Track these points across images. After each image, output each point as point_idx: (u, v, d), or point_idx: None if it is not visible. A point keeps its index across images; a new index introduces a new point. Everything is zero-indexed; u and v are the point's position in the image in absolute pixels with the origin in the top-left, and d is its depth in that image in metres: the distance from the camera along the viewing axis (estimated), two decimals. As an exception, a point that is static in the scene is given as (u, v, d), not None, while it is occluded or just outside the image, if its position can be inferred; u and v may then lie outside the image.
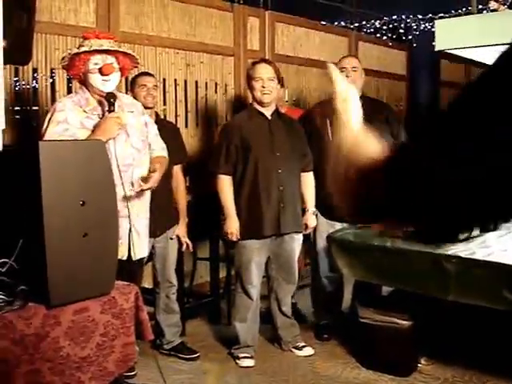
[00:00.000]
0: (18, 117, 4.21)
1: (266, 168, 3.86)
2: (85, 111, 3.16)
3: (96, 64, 3.14)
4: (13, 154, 2.22)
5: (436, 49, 3.36)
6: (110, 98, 3.12)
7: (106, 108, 3.14)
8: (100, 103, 3.19)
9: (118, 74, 3.21)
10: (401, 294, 3.79)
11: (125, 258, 3.19)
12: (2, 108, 2.14)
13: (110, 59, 3.16)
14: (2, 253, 2.21)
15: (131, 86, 4.15)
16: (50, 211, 2.06)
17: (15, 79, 4.16)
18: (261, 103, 3.93)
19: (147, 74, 4.23)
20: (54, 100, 4.37)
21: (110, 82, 3.17)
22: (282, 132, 3.96)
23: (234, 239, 3.92)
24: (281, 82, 4.77)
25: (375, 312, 3.76)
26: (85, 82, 3.22)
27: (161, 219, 3.96)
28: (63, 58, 3.28)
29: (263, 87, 3.89)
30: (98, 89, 3.17)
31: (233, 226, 3.87)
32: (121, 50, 3.24)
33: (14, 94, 4.14)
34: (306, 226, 4.10)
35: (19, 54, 3.41)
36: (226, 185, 3.88)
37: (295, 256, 4.08)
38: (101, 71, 3.12)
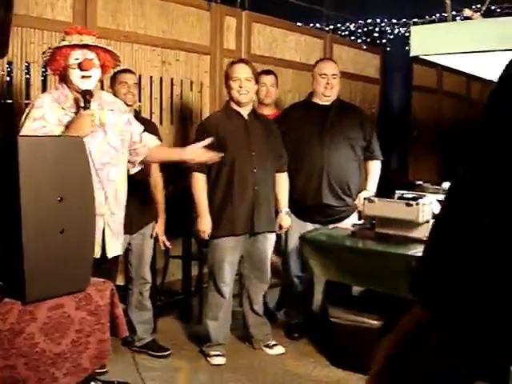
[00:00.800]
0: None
1: (241, 167, 3.89)
2: (63, 108, 3.13)
3: (76, 59, 3.10)
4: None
5: (411, 54, 3.42)
6: (86, 95, 3.08)
7: (82, 105, 3.11)
8: (76, 100, 3.15)
9: (98, 71, 3.17)
10: (371, 294, 3.85)
11: (98, 256, 3.17)
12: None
13: (90, 55, 3.13)
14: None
15: (111, 83, 4.15)
16: (27, 207, 2.06)
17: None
18: (238, 103, 3.96)
19: (128, 71, 4.21)
20: (28, 93, 4.34)
21: (90, 79, 3.13)
22: (258, 132, 3.99)
23: (206, 237, 3.94)
24: (276, 83, 4.86)
25: (346, 312, 3.82)
26: (65, 78, 3.19)
27: (137, 216, 3.97)
28: (44, 53, 3.24)
29: (240, 87, 3.91)
30: (77, 85, 3.12)
31: (205, 224, 3.89)
32: (101, 46, 3.22)
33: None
34: (280, 227, 4.14)
35: (-5, 47, 3.40)
36: (200, 182, 3.90)
37: (268, 255, 4.11)
38: (80, 66, 3.10)
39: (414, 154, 8.71)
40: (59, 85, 3.25)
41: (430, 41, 3.34)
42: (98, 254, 3.16)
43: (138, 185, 3.76)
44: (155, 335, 4.28)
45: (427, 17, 7.41)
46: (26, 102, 4.22)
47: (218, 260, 3.95)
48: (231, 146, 3.88)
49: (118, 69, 4.06)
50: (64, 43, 3.11)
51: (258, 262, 4.07)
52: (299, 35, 6.74)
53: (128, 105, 3.97)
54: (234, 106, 3.99)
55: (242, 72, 3.93)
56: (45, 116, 3.06)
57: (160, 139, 4.31)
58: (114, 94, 3.96)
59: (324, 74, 4.37)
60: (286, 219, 4.15)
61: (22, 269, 2.11)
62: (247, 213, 3.90)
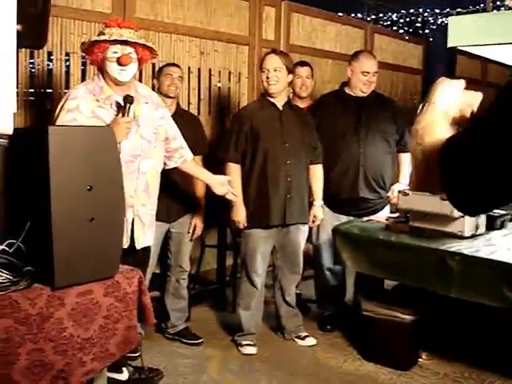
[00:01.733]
0: (32, 98, 4.26)
1: (274, 158, 3.88)
2: (98, 100, 3.18)
3: (115, 53, 3.15)
4: (23, 136, 2.25)
5: (448, 45, 3.35)
6: (128, 101, 3.13)
7: (121, 109, 3.16)
8: (117, 104, 3.19)
9: (135, 65, 3.22)
10: (404, 288, 3.82)
11: (126, 246, 3.22)
12: (14, 92, 2.17)
13: (129, 49, 3.17)
14: (10, 234, 2.25)
15: (157, 75, 4.23)
16: (57, 195, 2.10)
17: (31, 61, 4.20)
18: (268, 93, 3.95)
19: (174, 64, 4.32)
20: (68, 83, 4.42)
21: (127, 72, 3.19)
22: (292, 123, 3.98)
23: (241, 227, 3.96)
24: (312, 74, 4.83)
25: (378, 305, 3.79)
26: (102, 70, 3.24)
27: (176, 205, 4.05)
28: (83, 43, 3.30)
29: (267, 78, 3.91)
30: (115, 77, 3.18)
31: (240, 214, 3.91)
32: (140, 42, 3.25)
33: (28, 77, 4.19)
34: (314, 219, 4.13)
35: (34, 38, 3.44)
36: (234, 173, 3.91)
37: (300, 247, 4.11)
38: (118, 61, 3.15)
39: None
40: (96, 76, 3.30)
41: (467, 31, 3.27)
42: (126, 244, 3.21)
43: (178, 174, 3.81)
44: (188, 323, 4.33)
45: (471, 7, 7.25)
46: (66, 91, 4.30)
47: (251, 250, 3.97)
48: (264, 137, 3.88)
49: (165, 62, 4.13)
50: (104, 37, 3.15)
51: (291, 253, 4.08)
52: (339, 25, 6.68)
53: (170, 96, 4.04)
54: (269, 97, 3.98)
55: (270, 63, 3.92)
56: (79, 107, 3.11)
57: (200, 133, 4.36)
58: (159, 86, 4.09)
59: (366, 72, 4.32)
60: (319, 211, 4.14)
61: (51, 255, 2.15)
62: (280, 204, 3.90)
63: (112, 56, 3.16)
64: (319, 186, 4.15)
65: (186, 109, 5.03)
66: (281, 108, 3.98)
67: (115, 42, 3.15)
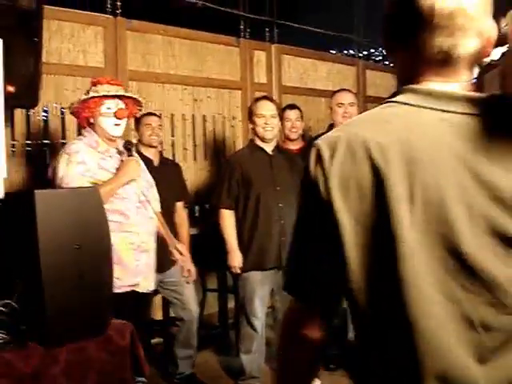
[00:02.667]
0: (29, 149, 4.38)
1: (267, 202, 3.94)
2: (99, 152, 3.29)
3: (108, 108, 3.27)
4: (13, 200, 2.34)
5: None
6: (128, 145, 3.35)
7: (126, 152, 3.34)
8: (118, 150, 3.35)
9: (125, 119, 3.37)
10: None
11: (146, 291, 3.39)
12: (4, 158, 2.26)
13: (122, 104, 3.31)
14: (3, 293, 2.32)
15: (136, 126, 4.30)
16: (46, 255, 2.17)
17: (28, 114, 4.33)
18: (263, 139, 4.03)
19: (152, 114, 4.38)
20: (64, 136, 4.53)
21: (120, 127, 3.33)
22: (282, 167, 4.05)
23: (238, 271, 4.00)
24: (301, 116, 4.91)
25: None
26: (93, 125, 3.33)
27: (166, 256, 4.05)
28: (72, 104, 3.42)
29: (266, 124, 3.99)
30: (109, 132, 3.30)
31: (235, 259, 3.96)
32: (134, 96, 3.43)
33: (25, 129, 4.31)
34: None
35: (27, 98, 3.57)
36: (227, 219, 3.98)
37: None
38: (115, 115, 3.27)
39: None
40: (86, 132, 3.38)
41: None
42: (145, 288, 3.35)
43: (168, 224, 3.90)
44: (194, 369, 4.33)
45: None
46: (62, 141, 4.43)
47: (249, 294, 4.00)
48: (256, 182, 3.95)
49: (143, 112, 4.22)
50: (103, 93, 3.27)
51: None
52: (330, 64, 6.81)
53: (153, 146, 4.14)
54: (259, 143, 4.06)
55: (267, 109, 4.01)
56: (85, 160, 3.21)
57: (182, 180, 4.45)
58: (140, 136, 4.18)
59: (341, 104, 4.40)
60: None
61: (44, 314, 2.21)
62: (275, 247, 3.95)
63: (106, 111, 3.27)
64: None
65: (182, 155, 5.14)
66: (271, 153, 4.06)
67: (111, 97, 3.27)
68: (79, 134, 4.50)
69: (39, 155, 4.43)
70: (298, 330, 1.22)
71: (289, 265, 1.22)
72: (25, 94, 3.54)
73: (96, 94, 3.28)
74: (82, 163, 3.19)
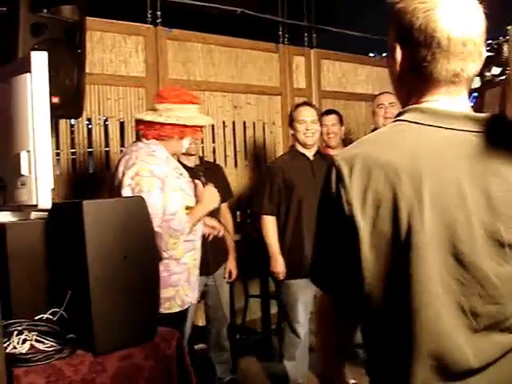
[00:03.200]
0: (74, 157, 4.46)
1: (309, 208, 3.93)
2: (174, 170, 3.17)
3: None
4: (61, 210, 2.38)
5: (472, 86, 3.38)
6: (200, 171, 3.53)
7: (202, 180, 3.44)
8: (192, 177, 3.35)
9: None
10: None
11: (195, 301, 3.41)
12: (51, 170, 2.31)
13: None
14: (52, 302, 2.36)
15: None
16: (94, 265, 2.20)
17: (72, 123, 4.41)
18: (304, 145, 4.03)
19: None
20: (107, 145, 4.59)
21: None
22: (323, 173, 4.02)
23: (281, 278, 4.00)
24: (340, 121, 4.88)
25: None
26: (166, 142, 3.15)
27: (215, 257, 4.10)
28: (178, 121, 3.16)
29: (307, 130, 3.99)
30: (181, 151, 3.34)
31: (278, 265, 3.96)
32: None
33: (69, 138, 4.39)
34: None
35: (71, 108, 3.63)
36: (270, 225, 3.98)
37: None
38: (196, 137, 3.36)
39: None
40: (154, 146, 3.12)
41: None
42: (196, 299, 3.38)
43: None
44: (235, 375, 4.35)
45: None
46: (106, 149, 4.50)
47: (292, 301, 3.99)
48: (298, 188, 3.94)
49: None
50: (204, 123, 3.32)
51: None
52: (369, 67, 6.76)
53: (191, 154, 4.15)
54: (300, 148, 4.06)
55: (308, 114, 4.01)
56: (174, 185, 3.08)
57: (226, 181, 4.45)
58: None
59: (381, 104, 4.37)
60: None
61: (91, 322, 2.24)
62: None
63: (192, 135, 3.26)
64: None
65: (224, 162, 5.17)
66: (312, 158, 4.06)
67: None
68: (122, 144, 4.61)
69: (83, 163, 4.50)
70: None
71: (314, 259, 1.44)
72: (69, 105, 3.59)
73: (194, 124, 3.16)
74: (174, 190, 3.05)
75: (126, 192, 2.96)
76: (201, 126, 3.27)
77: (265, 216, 4.00)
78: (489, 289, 1.22)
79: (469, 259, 1.21)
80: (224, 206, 4.32)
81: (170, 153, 3.16)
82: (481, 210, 1.21)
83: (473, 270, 1.21)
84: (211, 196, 3.23)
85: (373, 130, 4.50)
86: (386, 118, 4.29)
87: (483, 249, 1.21)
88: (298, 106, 4.19)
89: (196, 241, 3.23)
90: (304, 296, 4.00)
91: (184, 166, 3.93)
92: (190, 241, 3.16)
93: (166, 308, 3.07)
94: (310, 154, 4.06)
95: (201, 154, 4.54)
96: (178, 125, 3.09)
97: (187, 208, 3.11)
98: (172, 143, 3.15)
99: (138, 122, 3.22)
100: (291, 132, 4.15)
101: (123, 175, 3.01)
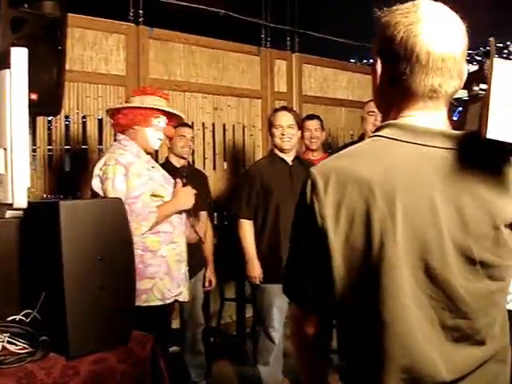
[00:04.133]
0: (50, 154, 4.39)
1: (286, 213, 3.92)
2: (144, 162, 3.26)
3: (159, 122, 3.27)
4: (36, 210, 2.34)
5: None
6: (184, 172, 3.42)
7: (183, 181, 3.37)
8: (173, 176, 3.39)
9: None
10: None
11: (187, 299, 3.41)
12: (28, 168, 2.27)
13: (166, 121, 3.33)
14: (25, 304, 2.31)
15: None
16: (69, 266, 2.16)
17: (49, 119, 4.35)
18: (281, 150, 4.02)
19: (187, 125, 4.42)
20: (85, 142, 4.54)
21: (161, 142, 3.37)
22: (302, 177, 4.01)
23: (258, 282, 3.98)
24: (322, 126, 4.89)
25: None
26: (131, 134, 3.26)
27: (192, 263, 4.07)
28: (126, 102, 3.42)
29: (283, 134, 3.98)
30: (150, 145, 3.29)
31: (255, 270, 3.94)
32: (180, 114, 3.49)
33: (46, 135, 4.33)
34: None
35: (50, 105, 3.57)
36: (247, 229, 3.96)
37: None
38: (164, 132, 3.32)
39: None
40: (124, 140, 3.26)
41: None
42: (185, 297, 3.37)
43: (190, 233, 3.90)
44: (209, 379, 4.33)
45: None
46: (84, 146, 4.45)
47: (267, 305, 3.98)
48: (276, 193, 3.93)
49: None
50: (168, 109, 3.31)
51: None
52: (350, 73, 6.78)
53: (183, 157, 4.15)
54: (278, 153, 4.05)
55: (284, 120, 4.00)
56: (140, 172, 3.17)
57: (209, 190, 4.45)
58: (171, 146, 4.21)
59: (372, 112, 4.37)
60: None
61: (65, 325, 2.20)
62: None
63: (157, 125, 3.26)
64: None
65: (202, 163, 5.14)
66: (290, 163, 4.05)
67: (164, 112, 3.28)
68: (100, 142, 4.57)
69: (60, 161, 4.44)
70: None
71: (287, 272, 1.44)
72: (48, 102, 3.52)
73: (155, 107, 3.25)
74: (140, 175, 3.14)
75: (95, 182, 3.13)
76: (165, 113, 3.30)
77: (242, 220, 3.99)
78: (459, 304, 1.24)
79: (440, 274, 1.22)
80: (204, 214, 4.31)
81: (141, 148, 3.27)
82: (453, 227, 1.23)
83: (443, 285, 1.23)
84: (185, 196, 3.27)
85: (360, 135, 4.53)
86: (376, 125, 4.30)
87: (454, 265, 1.23)
88: (275, 110, 4.19)
89: (174, 234, 3.24)
90: (279, 301, 3.98)
91: (171, 164, 4.08)
92: (167, 232, 3.20)
93: (142, 300, 3.08)
94: (288, 158, 4.06)
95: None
96: (142, 108, 3.22)
97: (155, 195, 3.15)
98: (140, 136, 3.24)
99: (112, 114, 3.36)
100: (270, 137, 4.14)
101: (93, 167, 3.19)
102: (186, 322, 4.25)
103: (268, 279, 3.95)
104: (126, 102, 3.43)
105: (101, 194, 3.11)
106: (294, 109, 5.90)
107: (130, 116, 3.24)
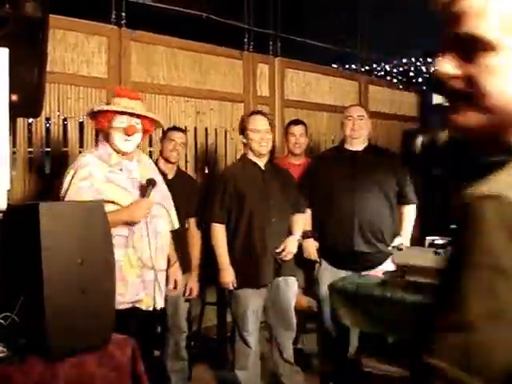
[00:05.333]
0: (31, 156, 4.35)
1: (260, 218, 3.91)
2: (109, 165, 3.24)
3: (122, 123, 3.23)
4: (16, 212, 2.31)
5: (434, 102, 3.42)
6: (151, 184, 3.23)
7: (144, 191, 3.25)
8: (140, 187, 3.28)
9: (139, 135, 3.30)
10: (404, 343, 3.79)
11: (151, 308, 3.27)
12: (8, 171, 2.24)
13: (135, 120, 3.26)
14: (4, 307, 2.28)
15: (161, 138, 4.33)
16: (49, 269, 2.14)
17: (29, 121, 4.30)
18: (259, 154, 4.00)
19: (178, 129, 4.37)
20: (66, 145, 4.50)
21: (131, 142, 3.26)
22: (275, 182, 4.02)
23: (231, 288, 3.96)
24: (306, 132, 4.92)
25: (378, 361, 3.77)
26: (107, 138, 3.29)
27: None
28: (91, 111, 3.37)
29: (261, 139, 3.96)
30: (119, 147, 3.25)
31: (227, 276, 3.91)
32: (149, 115, 3.37)
33: (27, 137, 4.28)
34: (284, 251, 4.00)
35: (30, 107, 3.54)
36: (219, 234, 3.93)
37: (291, 302, 4.08)
38: (125, 131, 3.22)
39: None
40: (100, 144, 3.33)
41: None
42: (150, 306, 3.26)
43: (174, 238, 3.90)
44: (190, 383, 4.30)
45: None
46: (64, 149, 4.42)
47: (241, 310, 3.95)
48: (249, 197, 3.92)
49: (170, 126, 4.24)
50: (115, 108, 3.24)
51: (282, 310, 4.05)
52: (333, 78, 6.81)
53: (171, 162, 4.11)
54: (251, 157, 4.03)
55: (261, 124, 3.99)
56: (92, 174, 3.15)
57: (197, 197, 4.33)
58: (161, 149, 4.19)
59: (350, 116, 4.40)
60: (291, 244, 4.02)
61: (45, 328, 2.18)
62: (268, 264, 3.91)
63: (118, 126, 3.23)
64: (299, 224, 4.15)
65: (184, 167, 5.12)
66: (263, 167, 4.03)
67: (124, 113, 3.23)
68: (81, 144, 4.54)
69: (40, 163, 4.40)
70: None
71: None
72: (28, 104, 3.50)
73: (104, 108, 3.27)
74: (86, 178, 3.12)
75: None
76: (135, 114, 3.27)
77: (214, 224, 3.95)
78: None
79: None
80: (192, 221, 4.25)
81: (113, 150, 3.27)
82: None
83: None
84: (138, 208, 3.14)
85: (341, 141, 4.55)
86: (354, 130, 4.35)
87: None
88: (251, 114, 4.15)
89: (133, 239, 3.17)
90: (253, 305, 3.96)
91: (162, 173, 3.93)
92: (122, 236, 3.13)
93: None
94: (261, 163, 4.03)
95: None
96: (103, 111, 3.24)
97: (107, 201, 3.04)
98: (109, 138, 3.25)
99: (92, 118, 3.38)
100: (244, 141, 4.10)
101: None
102: (170, 328, 4.20)
103: (241, 283, 3.94)
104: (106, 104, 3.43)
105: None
106: (276, 113, 5.94)
107: (98, 120, 3.28)
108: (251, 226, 3.91)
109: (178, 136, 4.24)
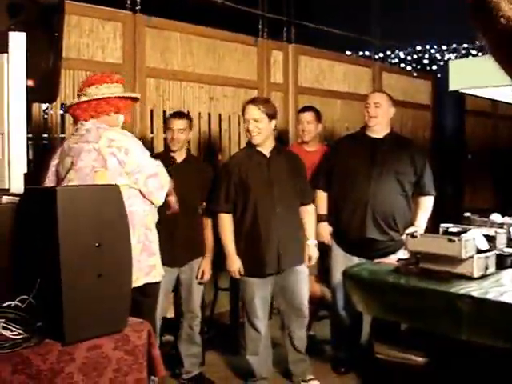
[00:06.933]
0: (45, 142, 4.37)
1: (264, 208, 3.90)
2: None
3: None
4: (33, 195, 2.33)
5: (450, 89, 3.41)
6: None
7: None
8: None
9: (105, 118, 3.22)
10: (417, 330, 3.80)
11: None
12: (25, 154, 2.26)
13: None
14: (21, 290, 2.31)
15: (165, 125, 4.33)
16: (66, 252, 2.15)
17: (44, 107, 4.33)
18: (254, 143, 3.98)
19: (177, 115, 4.23)
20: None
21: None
22: (280, 168, 3.99)
23: (238, 276, 3.98)
24: (317, 118, 4.88)
25: (391, 348, 3.77)
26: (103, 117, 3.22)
27: (186, 250, 4.07)
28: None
29: (249, 128, 3.93)
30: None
31: (234, 265, 3.94)
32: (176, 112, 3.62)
33: (42, 123, 4.30)
34: (309, 259, 4.13)
35: (46, 92, 3.55)
36: (225, 223, 3.95)
37: (302, 289, 4.09)
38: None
39: (469, 179, 8.57)
40: (100, 124, 3.17)
41: (468, 75, 3.33)
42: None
43: (187, 220, 3.94)
44: (203, 368, 4.33)
45: (478, 42, 7.34)
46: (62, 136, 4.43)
47: (249, 297, 3.98)
48: (253, 186, 3.90)
49: (171, 112, 4.22)
50: (124, 94, 3.30)
51: (292, 296, 4.06)
52: (347, 65, 6.78)
53: (172, 150, 4.10)
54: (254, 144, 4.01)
55: (249, 113, 3.92)
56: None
57: (208, 182, 4.21)
58: (166, 137, 4.23)
59: (367, 103, 4.38)
60: (313, 251, 4.12)
61: (61, 311, 2.19)
62: (274, 253, 3.91)
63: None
64: (310, 225, 4.17)
65: (198, 153, 5.13)
66: (268, 155, 4.00)
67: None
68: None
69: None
70: None
71: None
72: (44, 89, 3.51)
73: (130, 95, 3.38)
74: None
75: (112, 161, 3.04)
76: (134, 99, 3.38)
77: (221, 214, 3.97)
78: None
79: None
80: (204, 206, 4.22)
81: None
82: None
83: None
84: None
85: (362, 128, 4.53)
86: (370, 117, 4.34)
87: None
88: (246, 103, 4.04)
89: None
90: (261, 292, 3.98)
91: (165, 154, 4.13)
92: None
93: (152, 276, 3.20)
94: (265, 150, 3.99)
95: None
96: (112, 98, 3.20)
97: None
98: (110, 120, 3.21)
99: (72, 108, 3.31)
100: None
101: (94, 150, 3.07)
102: (183, 312, 4.23)
103: (248, 273, 3.96)
104: (85, 89, 3.30)
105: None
106: (290, 100, 5.92)
107: (102, 107, 3.23)
108: (256, 216, 3.90)
109: (176, 123, 4.11)
